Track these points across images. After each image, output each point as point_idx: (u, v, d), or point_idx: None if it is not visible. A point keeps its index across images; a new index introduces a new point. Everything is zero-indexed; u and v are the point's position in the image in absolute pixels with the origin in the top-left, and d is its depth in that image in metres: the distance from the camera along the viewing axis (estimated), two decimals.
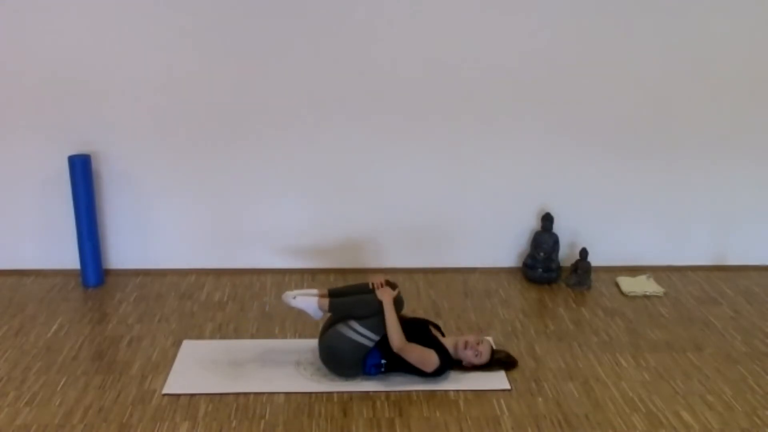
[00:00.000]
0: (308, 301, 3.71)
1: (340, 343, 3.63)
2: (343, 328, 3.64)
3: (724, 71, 4.84)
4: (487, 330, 4.32)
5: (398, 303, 3.70)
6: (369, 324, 3.62)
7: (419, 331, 3.79)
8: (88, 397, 3.56)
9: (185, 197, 4.87)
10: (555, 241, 4.96)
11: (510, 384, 3.73)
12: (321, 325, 3.88)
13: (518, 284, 4.98)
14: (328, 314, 3.78)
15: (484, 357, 3.79)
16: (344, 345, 3.63)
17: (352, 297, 3.73)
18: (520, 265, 5.19)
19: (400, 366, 3.70)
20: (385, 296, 3.65)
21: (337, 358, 3.67)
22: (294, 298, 3.72)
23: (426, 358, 3.66)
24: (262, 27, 4.54)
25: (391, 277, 4.93)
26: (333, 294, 3.82)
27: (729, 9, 4.70)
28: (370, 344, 3.64)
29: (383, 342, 3.68)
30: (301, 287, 4.82)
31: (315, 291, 3.81)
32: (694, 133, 4.97)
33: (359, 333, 3.62)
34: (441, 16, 4.58)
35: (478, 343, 3.80)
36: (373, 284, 3.77)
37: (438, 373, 3.70)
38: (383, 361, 3.69)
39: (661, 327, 4.41)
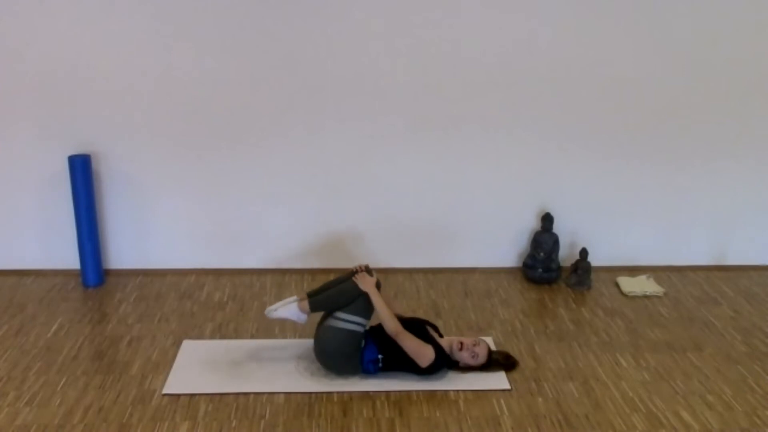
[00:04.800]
0: (288, 309, 3.76)
1: (332, 336, 3.65)
2: (330, 321, 3.68)
3: (724, 71, 4.84)
4: (487, 330, 4.33)
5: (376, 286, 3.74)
6: (353, 309, 3.65)
7: (416, 330, 3.80)
8: (88, 397, 3.56)
9: (185, 197, 4.88)
10: (555, 241, 4.96)
11: (510, 384, 3.73)
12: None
13: (518, 284, 4.98)
14: (315, 317, 3.80)
15: (481, 358, 3.79)
16: (336, 337, 3.64)
17: (330, 290, 3.76)
18: (520, 265, 5.19)
19: (396, 363, 3.71)
20: (367, 285, 3.67)
21: (332, 354, 3.68)
22: (275, 310, 3.77)
23: (421, 349, 3.66)
24: (262, 28, 4.54)
25: (391, 277, 4.95)
26: (311, 295, 3.83)
27: (728, 10, 4.70)
28: (360, 329, 3.66)
29: (378, 337, 3.70)
30: (301, 287, 4.83)
31: (294, 298, 3.83)
32: (694, 133, 4.97)
33: (347, 320, 3.64)
34: (440, 16, 4.58)
35: (474, 345, 3.79)
36: (354, 270, 3.80)
37: (433, 369, 3.70)
38: (380, 356, 3.69)
39: (661, 327, 4.41)
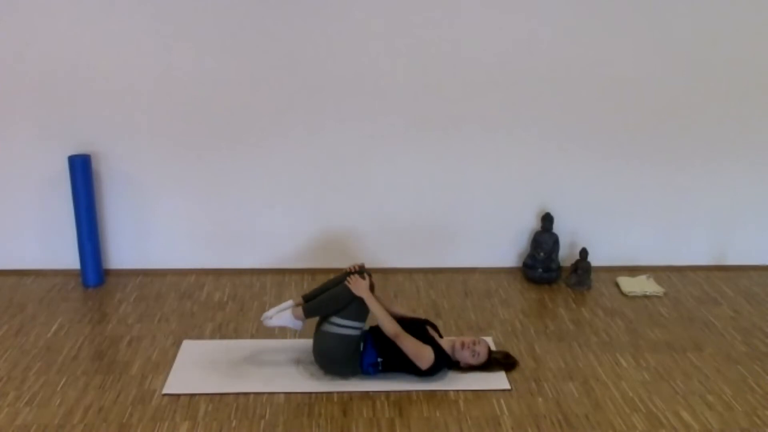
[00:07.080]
0: (284, 317, 3.75)
1: (328, 341, 3.64)
2: (326, 327, 3.66)
3: (724, 71, 4.84)
4: (487, 330, 4.33)
5: (370, 288, 3.71)
6: (348, 314, 3.63)
7: (417, 331, 3.79)
8: (88, 397, 3.56)
9: (185, 197, 4.88)
10: (555, 241, 4.96)
11: (510, 384, 3.73)
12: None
13: (518, 284, 4.98)
14: (312, 320, 3.79)
15: (482, 357, 3.79)
16: (332, 342, 3.64)
17: (323, 295, 3.74)
18: (520, 265, 5.19)
19: (396, 365, 3.70)
20: (361, 290, 3.63)
21: (331, 358, 3.68)
22: (270, 318, 3.76)
23: (421, 351, 3.65)
24: (262, 28, 4.54)
25: (391, 277, 4.96)
26: (307, 299, 3.83)
27: (728, 9, 4.70)
28: (357, 332, 3.65)
29: (378, 339, 3.69)
30: (301, 287, 4.83)
31: (290, 303, 3.82)
32: (694, 133, 4.97)
33: (342, 326, 3.62)
34: (440, 16, 4.58)
35: (475, 344, 3.80)
36: (348, 271, 3.79)
37: (433, 372, 3.70)
38: (379, 360, 3.69)
39: (661, 327, 4.41)
